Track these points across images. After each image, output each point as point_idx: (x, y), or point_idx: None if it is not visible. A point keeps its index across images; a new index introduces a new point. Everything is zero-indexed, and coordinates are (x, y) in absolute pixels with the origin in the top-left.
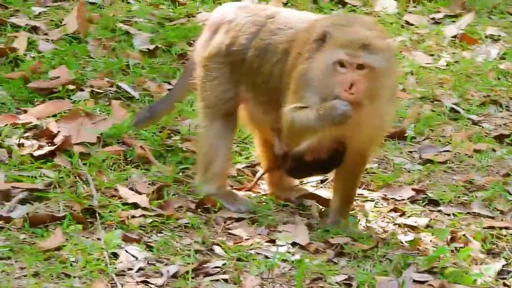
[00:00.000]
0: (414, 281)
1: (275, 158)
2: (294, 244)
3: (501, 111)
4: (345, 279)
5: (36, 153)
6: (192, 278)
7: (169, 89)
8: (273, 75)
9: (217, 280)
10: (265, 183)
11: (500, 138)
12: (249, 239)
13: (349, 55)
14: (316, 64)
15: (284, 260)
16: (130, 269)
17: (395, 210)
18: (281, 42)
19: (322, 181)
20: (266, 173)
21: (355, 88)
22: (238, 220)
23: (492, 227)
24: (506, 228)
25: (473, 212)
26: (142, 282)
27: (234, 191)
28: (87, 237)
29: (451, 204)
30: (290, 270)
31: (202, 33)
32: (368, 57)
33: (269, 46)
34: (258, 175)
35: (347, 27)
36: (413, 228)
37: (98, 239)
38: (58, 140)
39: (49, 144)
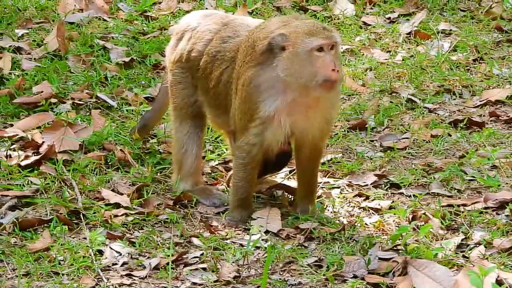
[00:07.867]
0: (380, 258)
1: None
2: (267, 231)
3: (454, 99)
4: (316, 261)
5: (23, 163)
6: (173, 268)
7: (145, 97)
8: (221, 81)
9: (196, 269)
10: None
11: (455, 124)
12: (224, 229)
13: (324, 39)
14: (282, 65)
15: (258, 247)
16: (114, 264)
17: (359, 195)
18: (228, 50)
19: (290, 171)
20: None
21: (338, 67)
22: (213, 213)
23: (450, 205)
24: (464, 205)
25: (432, 193)
26: (126, 275)
27: (209, 186)
28: (73, 237)
29: (411, 186)
30: (264, 255)
31: (170, 40)
32: (335, 35)
33: (218, 54)
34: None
35: (294, 22)
36: (376, 210)
37: (84, 238)
38: (43, 149)
39: (35, 154)
